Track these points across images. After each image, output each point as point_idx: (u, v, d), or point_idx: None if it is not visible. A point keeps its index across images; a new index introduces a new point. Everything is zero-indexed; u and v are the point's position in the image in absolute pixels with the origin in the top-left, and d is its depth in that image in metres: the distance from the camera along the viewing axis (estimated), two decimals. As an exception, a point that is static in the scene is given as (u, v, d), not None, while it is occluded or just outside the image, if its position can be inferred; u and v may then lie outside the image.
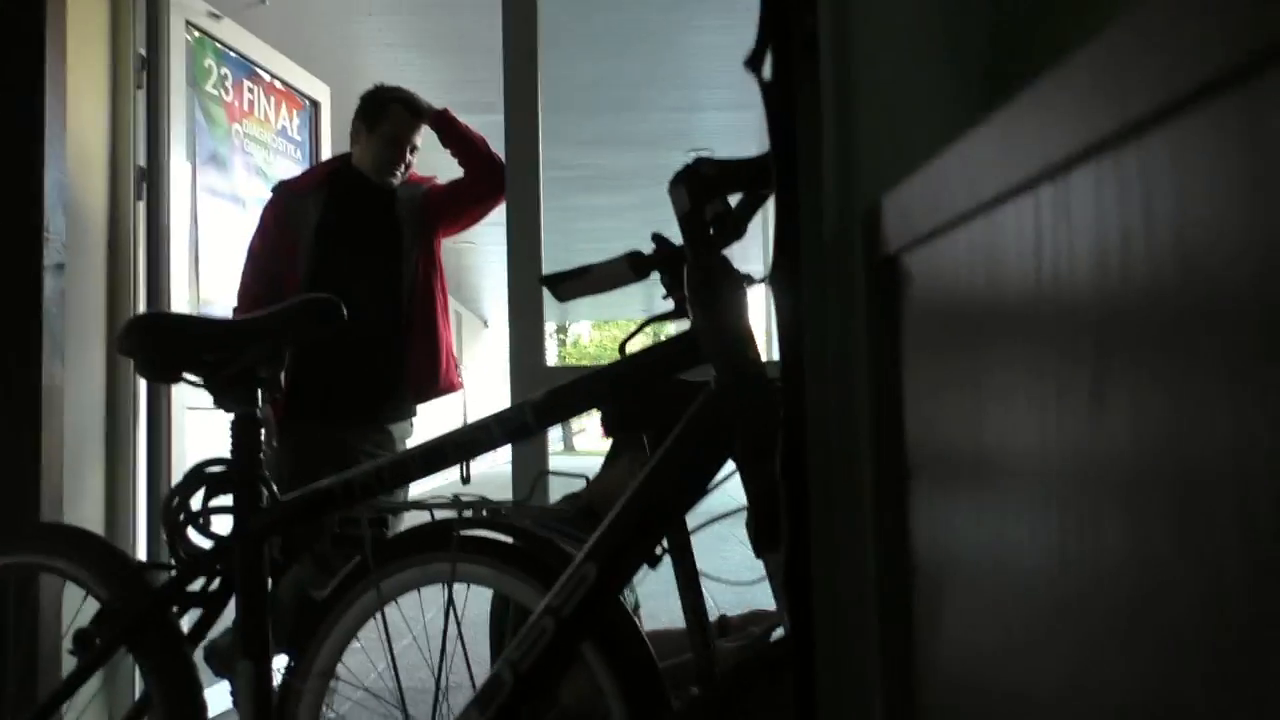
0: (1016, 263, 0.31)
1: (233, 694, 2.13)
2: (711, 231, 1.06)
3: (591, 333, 29.36)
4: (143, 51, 2.93)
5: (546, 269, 2.84)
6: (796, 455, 0.66)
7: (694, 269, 0.95)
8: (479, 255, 11.76)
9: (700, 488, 0.93)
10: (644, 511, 0.93)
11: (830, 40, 0.49)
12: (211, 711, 1.46)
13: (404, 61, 5.37)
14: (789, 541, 0.70)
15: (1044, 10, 0.33)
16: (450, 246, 3.07)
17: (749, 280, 1.09)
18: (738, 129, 6.41)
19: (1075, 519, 0.30)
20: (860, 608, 0.53)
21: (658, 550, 0.97)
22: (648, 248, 1.23)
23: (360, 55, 5.15)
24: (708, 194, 0.96)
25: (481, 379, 16.80)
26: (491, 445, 1.04)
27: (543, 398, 1.01)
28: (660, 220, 1.21)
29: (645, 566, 0.99)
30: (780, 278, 0.50)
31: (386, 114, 2.87)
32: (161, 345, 1.20)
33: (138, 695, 2.57)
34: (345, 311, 1.20)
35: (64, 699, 1.24)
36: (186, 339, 1.20)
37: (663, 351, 0.99)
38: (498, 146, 2.75)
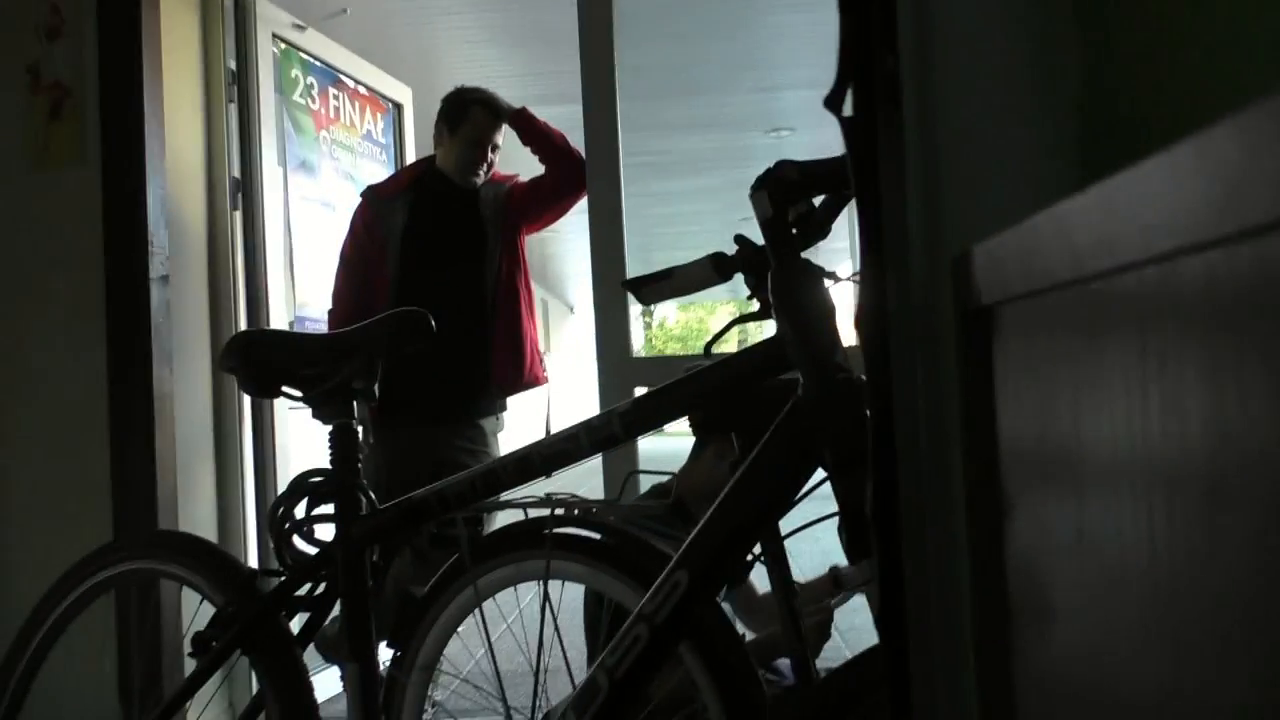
0: (1115, 338, 0.30)
1: (342, 678, 2.21)
2: (794, 232, 1.05)
3: (677, 315, 29.45)
4: (232, 65, 3.03)
5: (628, 255, 2.86)
6: (886, 460, 0.66)
7: (778, 276, 0.95)
8: (563, 243, 11.86)
9: (789, 496, 0.93)
10: (733, 521, 0.93)
11: (913, 80, 0.48)
12: (322, 695, 1.52)
13: (483, 58, 5.43)
14: (879, 547, 0.69)
15: (1139, 52, 0.32)
16: (535, 235, 3.11)
17: (834, 278, 1.08)
18: (818, 108, 6.32)
19: (1174, 519, 0.29)
20: (954, 612, 0.53)
21: (749, 557, 0.98)
22: (729, 234, 1.23)
23: (439, 54, 5.23)
24: (790, 198, 0.96)
25: (568, 365, 16.94)
26: (580, 456, 1.06)
27: (630, 407, 1.03)
28: (742, 203, 1.19)
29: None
30: (867, 320, 0.50)
31: (467, 116, 2.92)
32: (261, 363, 1.25)
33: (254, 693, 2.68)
34: (433, 324, 1.23)
35: (186, 698, 1.31)
36: (285, 356, 1.25)
37: (749, 358, 0.99)
38: (579, 136, 2.77)
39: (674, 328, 29.13)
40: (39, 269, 2.62)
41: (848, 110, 0.50)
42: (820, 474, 0.92)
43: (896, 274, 0.49)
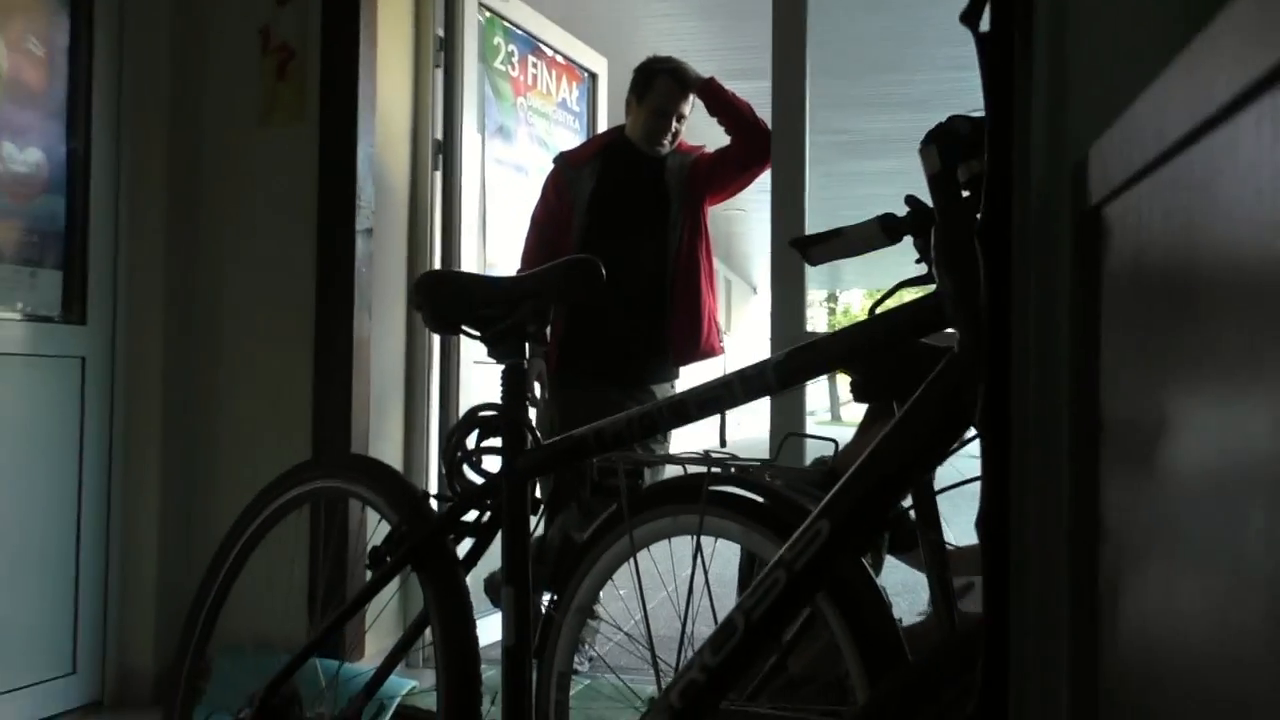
0: (1219, 208, 0.29)
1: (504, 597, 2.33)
2: (966, 194, 1.03)
3: (863, 300, 28.80)
4: (440, 32, 3.19)
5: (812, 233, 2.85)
6: (999, 414, 0.65)
7: (941, 231, 0.94)
8: (748, 223, 11.82)
9: (938, 454, 0.92)
10: (879, 472, 0.93)
11: None
12: (485, 639, 1.61)
13: (679, 30, 5.47)
14: (986, 504, 0.68)
15: None
16: (720, 214, 3.14)
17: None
18: (1024, 87, 6.02)
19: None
20: (1052, 574, 0.52)
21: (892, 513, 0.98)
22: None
23: (637, 26, 5.31)
24: (962, 154, 0.94)
25: (749, 345, 16.90)
26: (733, 403, 1.08)
27: (783, 357, 1.04)
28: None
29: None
30: (988, 234, 0.49)
31: (654, 85, 2.97)
32: (445, 300, 1.34)
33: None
34: (604, 273, 1.28)
35: (360, 606, 1.42)
36: (466, 296, 1.33)
37: (906, 314, 0.98)
38: (767, 112, 2.77)
39: (859, 313, 28.51)
40: (261, 216, 2.86)
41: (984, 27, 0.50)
42: (973, 432, 0.91)
43: (1020, 186, 0.48)
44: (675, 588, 1.73)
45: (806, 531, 0.96)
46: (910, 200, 1.16)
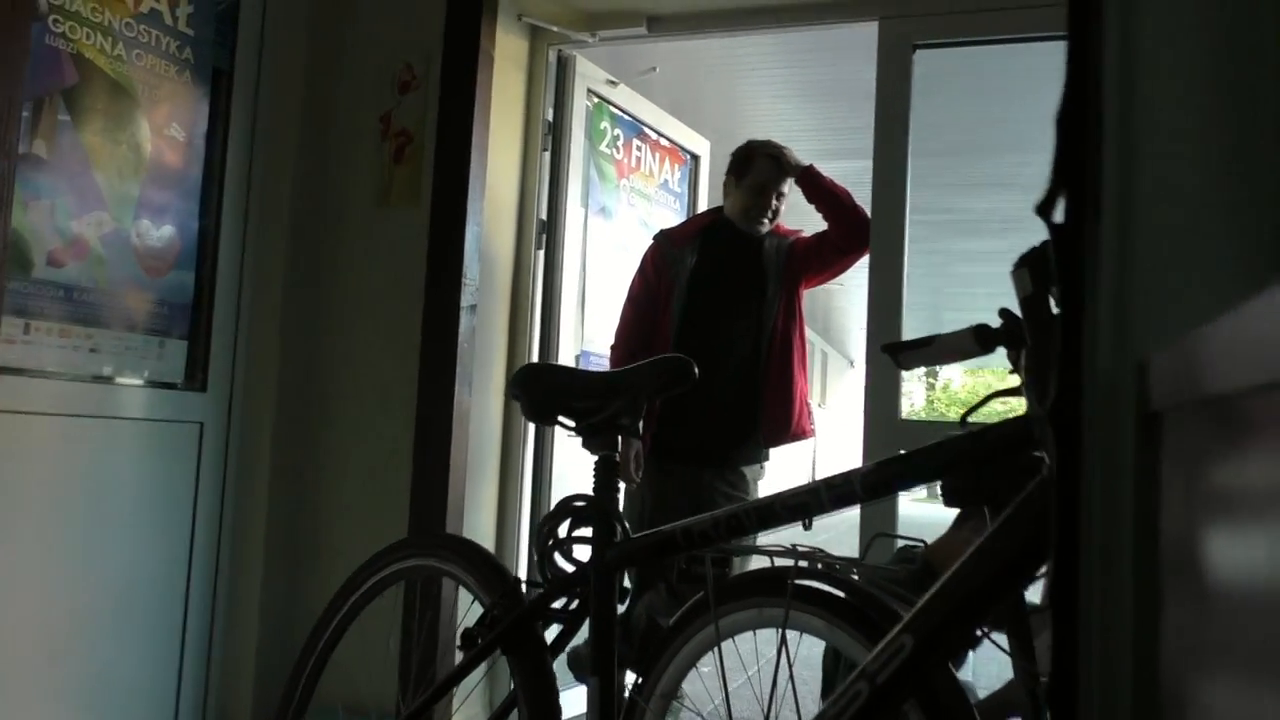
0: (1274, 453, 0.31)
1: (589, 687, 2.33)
2: (1055, 313, 1.03)
3: (963, 378, 28.18)
4: (549, 117, 3.32)
5: (913, 313, 2.84)
6: (1068, 589, 0.65)
7: (1032, 356, 0.94)
8: (847, 297, 11.77)
9: (1027, 574, 0.92)
10: (966, 589, 0.93)
11: (1114, 190, 0.49)
12: (570, 712, 1.63)
13: (781, 112, 5.55)
14: (1056, 634, 0.68)
15: None
16: (819, 287, 3.14)
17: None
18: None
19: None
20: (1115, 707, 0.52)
21: (978, 632, 0.97)
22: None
23: (740, 108, 5.41)
24: (1053, 279, 0.95)
25: (843, 420, 16.68)
26: (820, 510, 1.09)
27: (872, 469, 1.05)
28: None
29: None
30: (1058, 414, 0.51)
31: (753, 165, 3.02)
32: (542, 392, 1.39)
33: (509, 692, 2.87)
34: (697, 372, 1.31)
35: (452, 685, 1.46)
36: (562, 389, 1.38)
37: (996, 433, 0.99)
38: (870, 191, 2.79)
39: (959, 391, 27.88)
40: (372, 291, 2.99)
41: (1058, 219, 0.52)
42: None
43: (1089, 376, 0.49)
44: (758, 669, 1.72)
45: (890, 645, 0.96)
46: (1004, 313, 1.17)
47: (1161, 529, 0.43)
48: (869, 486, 1.04)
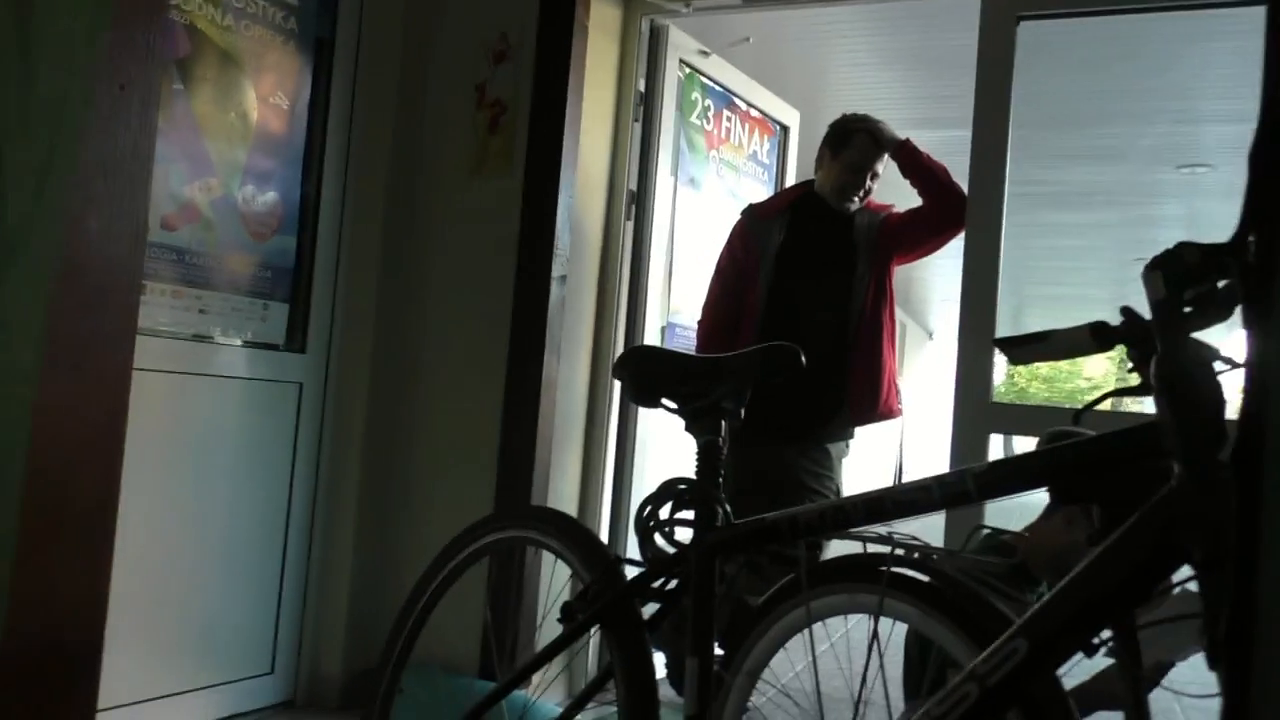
0: None
1: (666, 666, 2.37)
2: (1188, 311, 1.01)
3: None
4: (641, 88, 3.31)
5: (1002, 287, 2.78)
6: (1248, 558, 0.64)
7: (1164, 361, 0.93)
8: (928, 268, 11.55)
9: (1147, 588, 0.91)
10: (1083, 598, 0.93)
11: None
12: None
13: (871, 80, 5.45)
14: (1227, 651, 0.68)
15: None
16: (902, 259, 3.09)
17: (1231, 363, 1.02)
18: (1239, 144, 5.68)
19: None
20: None
21: (1095, 640, 0.97)
22: (1119, 274, 1.19)
23: (829, 78, 5.32)
24: (1187, 282, 0.93)
25: (920, 393, 16.46)
26: (931, 508, 1.09)
27: (986, 469, 1.04)
28: (1140, 243, 1.16)
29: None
30: (1241, 459, 0.50)
31: (851, 142, 2.98)
32: (648, 375, 1.41)
33: (593, 668, 2.93)
34: (803, 360, 1.31)
35: (551, 656, 1.50)
36: (668, 373, 1.40)
37: (1121, 440, 0.97)
38: (962, 161, 2.73)
39: (1042, 367, 27.27)
40: (465, 259, 3.04)
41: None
42: (1186, 570, 0.89)
43: (1276, 420, 0.49)
44: (846, 640, 1.73)
45: (1004, 647, 0.96)
46: (1126, 311, 1.15)
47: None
48: (983, 487, 1.04)
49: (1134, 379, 1.15)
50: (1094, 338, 1.18)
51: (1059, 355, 1.26)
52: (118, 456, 1.74)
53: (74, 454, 1.66)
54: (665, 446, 3.34)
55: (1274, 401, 0.50)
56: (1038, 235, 8.68)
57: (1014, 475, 1.04)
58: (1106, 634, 1.02)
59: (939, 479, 1.09)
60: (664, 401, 1.40)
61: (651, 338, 3.35)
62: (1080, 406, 1.25)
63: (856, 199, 2.98)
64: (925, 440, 16.50)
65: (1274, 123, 0.51)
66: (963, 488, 1.06)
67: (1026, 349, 1.28)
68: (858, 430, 3.06)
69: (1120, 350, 1.16)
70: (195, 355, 2.63)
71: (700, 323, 3.09)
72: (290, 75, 2.85)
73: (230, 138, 2.69)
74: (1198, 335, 1.05)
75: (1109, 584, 0.91)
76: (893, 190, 3.11)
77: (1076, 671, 2.21)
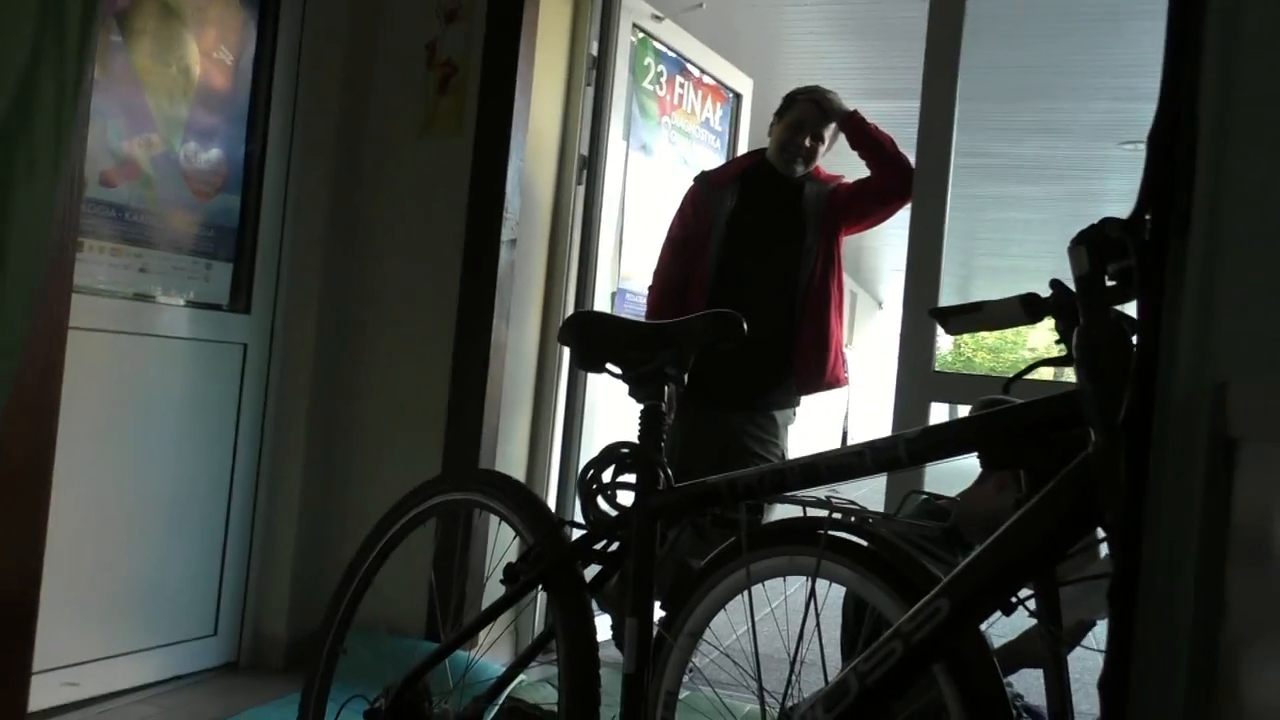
0: None
1: (612, 628, 2.40)
2: (1111, 284, 1.05)
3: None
4: (594, 52, 3.29)
5: (946, 258, 2.82)
6: (1134, 519, 0.67)
7: (1083, 332, 0.96)
8: (879, 237, 11.66)
9: (1063, 546, 0.95)
10: (1002, 562, 0.96)
11: (1203, 218, 0.50)
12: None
13: (825, 49, 5.46)
14: (1112, 607, 0.71)
15: None
16: (851, 228, 3.12)
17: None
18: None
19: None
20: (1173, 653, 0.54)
21: (1014, 600, 1.01)
22: (1062, 251, 1.22)
23: (784, 45, 5.33)
24: (1110, 257, 0.96)
25: (870, 362, 16.66)
26: (864, 472, 1.12)
27: (918, 435, 1.08)
28: (1083, 217, 1.19)
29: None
30: (1131, 423, 0.53)
31: (794, 105, 3.01)
32: (592, 340, 1.42)
33: (538, 629, 2.94)
34: (745, 327, 1.33)
35: (493, 617, 1.52)
36: (613, 338, 1.41)
37: (1043, 408, 1.01)
38: (913, 132, 2.76)
39: (988, 336, 27.72)
40: (414, 220, 3.02)
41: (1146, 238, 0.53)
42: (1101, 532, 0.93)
43: (1163, 393, 0.52)
44: (784, 605, 1.77)
45: (927, 607, 0.99)
46: (1055, 284, 1.18)
47: (1229, 554, 0.46)
48: (914, 452, 1.07)
49: (1062, 350, 1.19)
50: (1024, 309, 1.21)
51: (992, 325, 1.30)
52: (52, 417, 1.72)
53: (5, 414, 1.63)
54: (614, 411, 3.36)
55: (1163, 372, 0.53)
56: (986, 207, 8.80)
57: (944, 442, 1.07)
58: (1026, 594, 1.07)
59: (872, 444, 1.12)
60: (608, 366, 1.42)
61: (602, 303, 3.36)
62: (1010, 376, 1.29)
63: (799, 162, 2.99)
64: (874, 408, 16.71)
65: (1174, 105, 0.53)
66: (894, 453, 1.09)
67: (962, 319, 1.31)
68: (804, 399, 3.11)
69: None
70: (136, 315, 2.59)
71: (650, 288, 3.10)
72: (234, 29, 2.79)
73: (172, 93, 2.63)
74: (1122, 308, 1.09)
75: (1026, 546, 0.95)
76: (844, 162, 3.13)
77: (1006, 631, 2.28)
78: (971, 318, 1.30)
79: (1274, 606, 0.41)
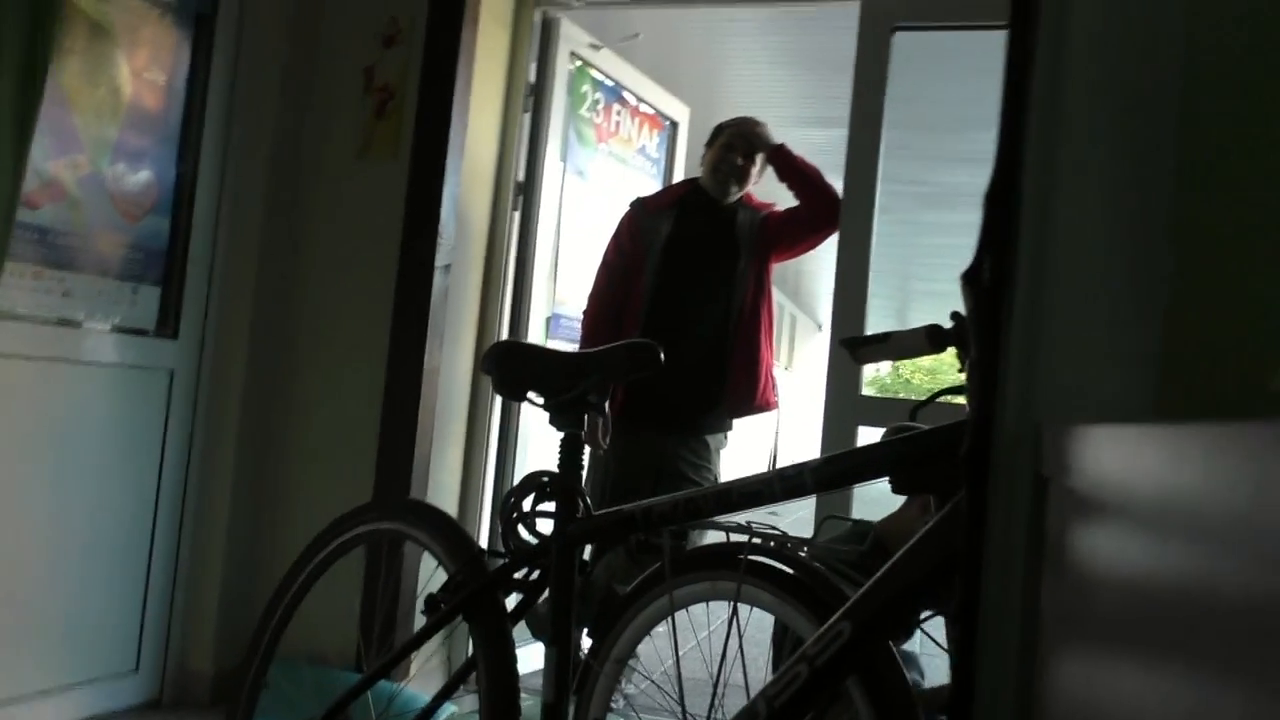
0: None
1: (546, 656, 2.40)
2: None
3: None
4: (532, 79, 3.32)
5: (881, 280, 2.90)
6: (976, 543, 0.71)
7: (974, 366, 1.00)
8: (818, 261, 11.83)
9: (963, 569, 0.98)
10: (903, 580, 0.99)
11: (1029, 264, 0.54)
12: (526, 668, 1.69)
13: (762, 77, 5.56)
14: (959, 617, 0.74)
15: (1222, 268, 0.38)
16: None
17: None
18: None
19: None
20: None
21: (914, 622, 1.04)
22: None
23: (723, 74, 5.41)
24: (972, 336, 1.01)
25: (809, 384, 16.82)
26: (773, 499, 1.15)
27: (821, 463, 1.11)
28: None
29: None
30: (972, 460, 0.56)
31: (723, 132, 3.07)
32: (513, 369, 1.44)
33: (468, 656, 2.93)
34: (662, 357, 1.36)
35: (414, 648, 1.52)
36: (533, 367, 1.43)
37: (938, 437, 1.05)
38: (840, 164, 2.82)
39: (925, 360, 28.19)
40: (347, 245, 3.00)
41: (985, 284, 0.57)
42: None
43: (998, 429, 0.55)
44: (709, 634, 1.79)
45: (830, 630, 1.02)
46: (955, 316, 1.23)
47: (1044, 584, 0.49)
48: (820, 480, 1.10)
49: (963, 379, 1.23)
50: (929, 340, 1.26)
51: (898, 355, 1.34)
52: (-34, 444, 1.68)
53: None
54: (547, 440, 3.36)
55: (1000, 410, 0.56)
56: (923, 233, 8.98)
57: (847, 470, 1.10)
58: (926, 615, 1.10)
59: (780, 473, 1.15)
60: (529, 395, 1.43)
61: (536, 329, 3.37)
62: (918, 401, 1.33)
63: (734, 182, 3.04)
64: (812, 431, 16.85)
65: (1009, 161, 0.56)
66: (800, 481, 1.12)
67: (870, 349, 1.35)
68: (736, 422, 3.14)
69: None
70: (59, 340, 2.54)
71: (585, 314, 3.12)
72: (167, 49, 2.77)
73: (100, 113, 2.60)
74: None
75: (924, 568, 0.98)
76: (776, 191, 3.19)
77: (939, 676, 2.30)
78: (879, 348, 1.34)
79: (1070, 619, 0.44)
